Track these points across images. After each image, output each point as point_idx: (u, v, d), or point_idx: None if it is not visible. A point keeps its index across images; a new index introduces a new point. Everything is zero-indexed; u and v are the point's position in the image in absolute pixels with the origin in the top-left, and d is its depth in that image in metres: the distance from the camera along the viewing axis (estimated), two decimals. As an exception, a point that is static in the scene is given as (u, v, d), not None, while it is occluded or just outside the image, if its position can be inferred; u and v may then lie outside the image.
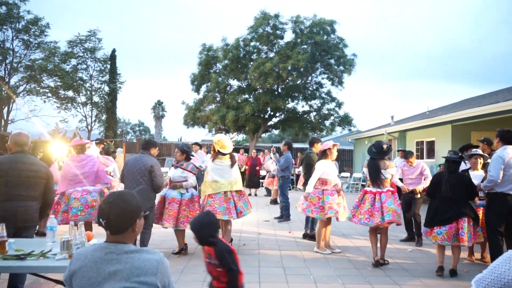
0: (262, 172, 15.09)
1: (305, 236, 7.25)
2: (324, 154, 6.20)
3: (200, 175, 7.80)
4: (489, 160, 5.51)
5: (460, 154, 5.37)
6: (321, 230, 6.23)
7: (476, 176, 5.52)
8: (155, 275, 1.84)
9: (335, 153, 6.25)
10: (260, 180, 15.07)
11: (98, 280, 1.81)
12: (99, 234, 3.48)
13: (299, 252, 6.26)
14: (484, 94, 16.27)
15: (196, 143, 11.51)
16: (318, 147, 7.09)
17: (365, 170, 6.00)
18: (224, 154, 5.87)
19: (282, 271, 5.21)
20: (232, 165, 5.92)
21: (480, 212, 5.60)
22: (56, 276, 3.58)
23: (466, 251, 6.07)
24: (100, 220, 1.88)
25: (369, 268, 5.46)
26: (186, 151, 6.02)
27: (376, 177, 5.65)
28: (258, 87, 20.24)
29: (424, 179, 6.95)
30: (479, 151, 5.83)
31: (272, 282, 4.77)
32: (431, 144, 13.99)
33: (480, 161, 5.69)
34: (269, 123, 22.09)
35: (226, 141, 5.91)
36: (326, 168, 6.13)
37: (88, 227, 5.58)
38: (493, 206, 5.04)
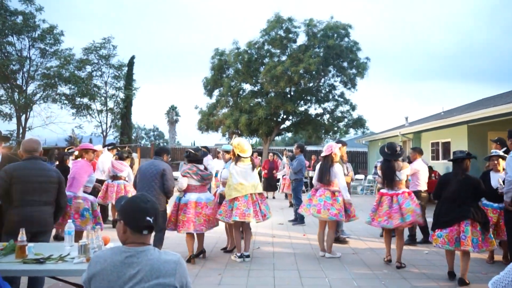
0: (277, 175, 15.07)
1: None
2: (331, 157, 6.08)
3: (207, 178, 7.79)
4: None
5: (467, 152, 5.19)
6: (334, 234, 6.25)
7: (498, 177, 5.43)
8: (174, 276, 1.88)
9: (339, 154, 6.22)
10: (277, 184, 15.05)
11: (118, 284, 1.84)
12: (114, 239, 3.51)
13: (314, 255, 6.24)
14: (500, 93, 15.98)
15: (205, 147, 11.65)
16: (344, 150, 6.89)
17: (379, 172, 5.95)
18: (245, 158, 5.88)
19: (297, 274, 5.20)
20: (253, 168, 5.92)
21: (496, 215, 5.50)
22: (74, 280, 3.64)
23: (486, 253, 5.96)
24: (148, 218, 1.91)
25: (385, 270, 5.41)
26: (186, 158, 5.98)
27: (391, 179, 5.63)
28: (270, 90, 20.24)
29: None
30: (499, 152, 5.71)
31: (287, 285, 4.76)
32: (446, 145, 13.78)
33: (500, 161, 5.58)
34: (282, 126, 22.04)
35: (245, 145, 5.91)
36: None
37: None
38: None
